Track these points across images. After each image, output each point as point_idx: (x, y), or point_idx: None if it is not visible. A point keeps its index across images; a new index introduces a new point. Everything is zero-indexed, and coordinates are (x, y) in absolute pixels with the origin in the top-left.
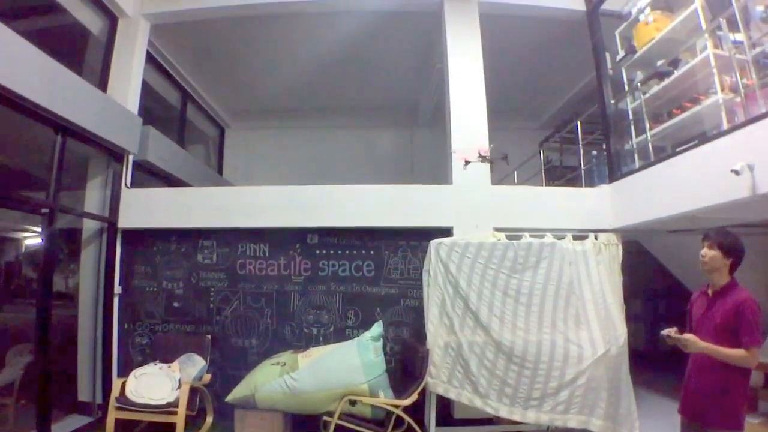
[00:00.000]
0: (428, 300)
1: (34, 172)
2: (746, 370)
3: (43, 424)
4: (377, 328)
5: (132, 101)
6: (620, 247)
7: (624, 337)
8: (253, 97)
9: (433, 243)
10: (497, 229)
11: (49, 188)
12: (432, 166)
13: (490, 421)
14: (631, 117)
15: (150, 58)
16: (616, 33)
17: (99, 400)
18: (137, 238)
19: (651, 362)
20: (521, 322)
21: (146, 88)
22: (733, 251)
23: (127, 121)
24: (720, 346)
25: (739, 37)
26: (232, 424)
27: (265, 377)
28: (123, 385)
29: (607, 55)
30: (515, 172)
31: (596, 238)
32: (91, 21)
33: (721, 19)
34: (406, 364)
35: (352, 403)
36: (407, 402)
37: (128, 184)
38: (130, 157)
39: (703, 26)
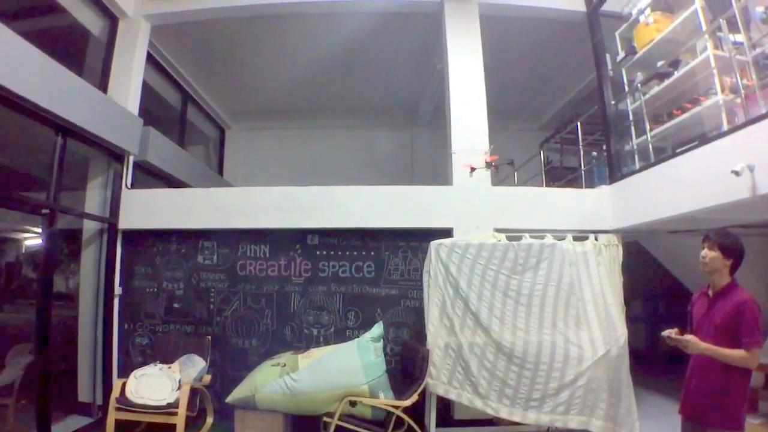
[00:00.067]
0: (428, 301)
1: (34, 172)
2: (747, 371)
3: (43, 424)
4: (377, 328)
5: (132, 102)
6: (620, 247)
7: (624, 338)
8: (253, 98)
9: (434, 244)
10: (497, 230)
11: (49, 189)
12: (432, 166)
13: (491, 422)
14: (631, 118)
15: (150, 59)
16: (617, 34)
17: (99, 401)
18: (137, 238)
19: (651, 363)
20: (521, 323)
21: (146, 89)
22: (733, 252)
23: (127, 122)
24: (720, 347)
25: (740, 37)
26: (232, 425)
27: (265, 378)
28: (123, 385)
29: (608, 55)
30: (515, 173)
31: (596, 239)
32: (92, 22)
33: (721, 20)
34: (406, 364)
35: (353, 403)
36: (407, 403)
37: (128, 185)
38: (131, 158)
39: (704, 27)
